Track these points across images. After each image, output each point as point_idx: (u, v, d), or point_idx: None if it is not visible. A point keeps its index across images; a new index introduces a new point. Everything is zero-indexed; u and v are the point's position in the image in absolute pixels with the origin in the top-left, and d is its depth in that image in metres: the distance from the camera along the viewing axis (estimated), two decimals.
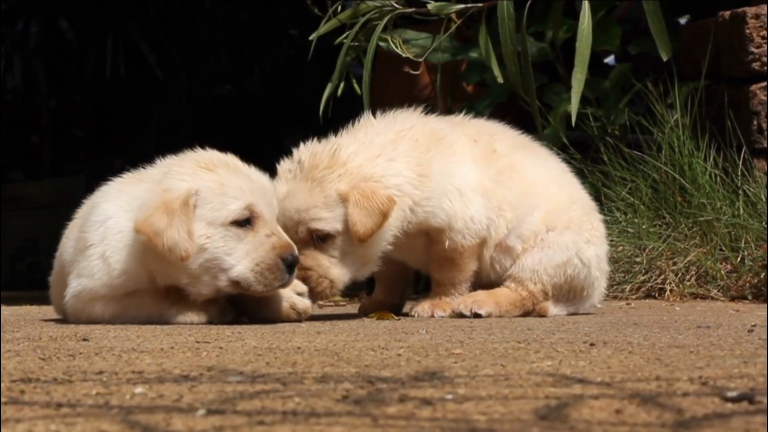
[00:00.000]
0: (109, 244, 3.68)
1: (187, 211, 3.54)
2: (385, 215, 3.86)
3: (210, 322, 3.69)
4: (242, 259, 3.59)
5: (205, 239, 3.58)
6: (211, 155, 3.70)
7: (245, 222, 3.61)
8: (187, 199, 3.55)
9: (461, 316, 4.02)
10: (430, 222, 4.02)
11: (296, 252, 3.66)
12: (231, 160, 3.70)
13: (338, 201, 3.85)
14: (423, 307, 4.09)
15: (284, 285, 3.65)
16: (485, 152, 4.15)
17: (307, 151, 3.94)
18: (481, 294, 4.09)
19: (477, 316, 4.01)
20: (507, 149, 4.20)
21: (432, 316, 4.05)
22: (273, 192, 3.75)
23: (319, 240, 3.85)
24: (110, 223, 3.70)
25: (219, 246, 3.59)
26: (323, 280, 3.85)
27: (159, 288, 3.71)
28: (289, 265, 3.61)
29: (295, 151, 3.96)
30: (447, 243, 4.04)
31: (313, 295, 3.85)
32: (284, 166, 3.94)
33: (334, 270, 3.87)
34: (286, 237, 3.68)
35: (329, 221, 3.84)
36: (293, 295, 3.78)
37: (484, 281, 4.18)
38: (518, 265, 4.12)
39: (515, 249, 4.13)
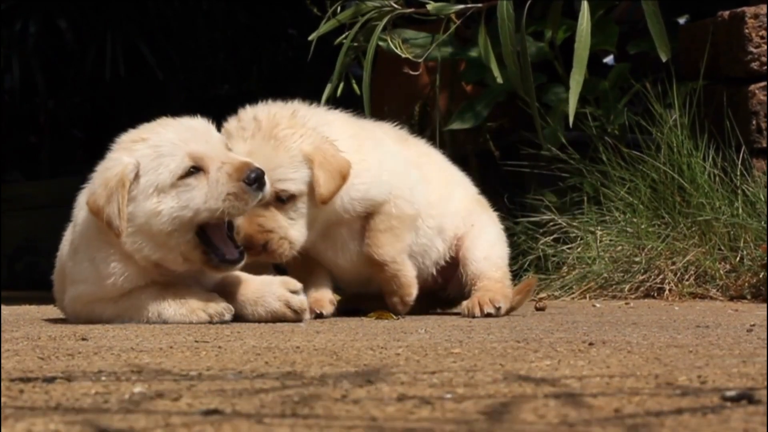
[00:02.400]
0: (93, 245, 3.70)
1: (122, 188, 3.57)
2: (344, 177, 3.87)
3: (209, 322, 3.68)
4: (204, 204, 3.58)
5: (156, 204, 3.59)
6: (140, 129, 3.72)
7: (194, 170, 3.61)
8: (123, 176, 3.58)
9: (489, 316, 4.00)
10: (372, 194, 3.98)
11: (254, 165, 3.62)
12: (160, 122, 3.72)
13: (303, 161, 3.85)
14: (392, 302, 4.06)
15: (261, 200, 3.64)
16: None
17: (263, 110, 3.94)
18: (487, 293, 4.08)
19: (498, 309, 4.01)
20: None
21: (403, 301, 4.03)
22: (207, 126, 3.73)
23: (282, 200, 3.85)
24: (89, 229, 3.72)
25: (173, 205, 3.59)
26: (284, 242, 3.84)
27: (155, 285, 3.72)
28: (254, 181, 3.58)
29: (243, 111, 3.95)
30: (394, 211, 3.99)
31: (273, 256, 3.85)
32: (236, 123, 3.92)
33: (293, 231, 3.86)
34: (239, 158, 3.66)
35: (296, 182, 3.85)
36: (286, 292, 3.75)
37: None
38: (471, 266, 4.17)
39: (446, 228, 4.20)
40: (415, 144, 4.34)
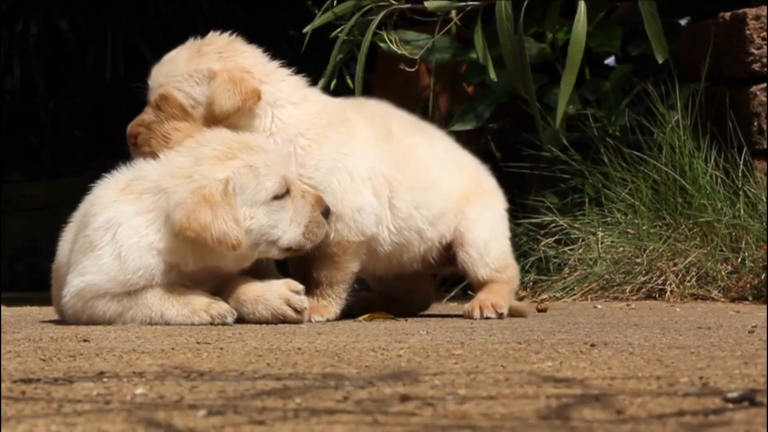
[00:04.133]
0: (124, 244, 3.70)
1: (229, 200, 3.62)
2: (245, 102, 3.80)
3: (211, 323, 3.69)
4: (289, 226, 3.72)
5: (249, 220, 3.68)
6: (218, 144, 3.74)
7: (285, 193, 3.72)
8: (226, 189, 3.63)
9: (486, 319, 3.96)
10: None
11: (326, 202, 3.80)
12: (237, 140, 3.76)
13: (206, 79, 3.82)
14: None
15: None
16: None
17: (213, 35, 3.94)
18: (491, 296, 4.04)
19: (501, 315, 3.97)
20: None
21: (309, 320, 3.83)
22: (281, 150, 3.83)
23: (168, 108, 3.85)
24: (122, 228, 3.71)
25: (264, 223, 3.70)
26: (157, 140, 3.84)
27: (160, 285, 3.73)
28: (326, 214, 3.78)
29: None
30: (332, 235, 3.87)
31: (142, 151, 3.84)
32: (191, 39, 3.95)
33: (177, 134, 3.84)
34: (313, 191, 3.81)
35: (185, 94, 3.83)
36: (287, 291, 3.76)
37: (384, 272, 4.13)
38: (476, 268, 4.09)
39: (425, 231, 4.07)
40: (400, 138, 4.12)
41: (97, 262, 3.73)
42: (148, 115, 3.91)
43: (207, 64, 3.85)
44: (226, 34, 3.97)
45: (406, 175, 4.07)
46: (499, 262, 4.14)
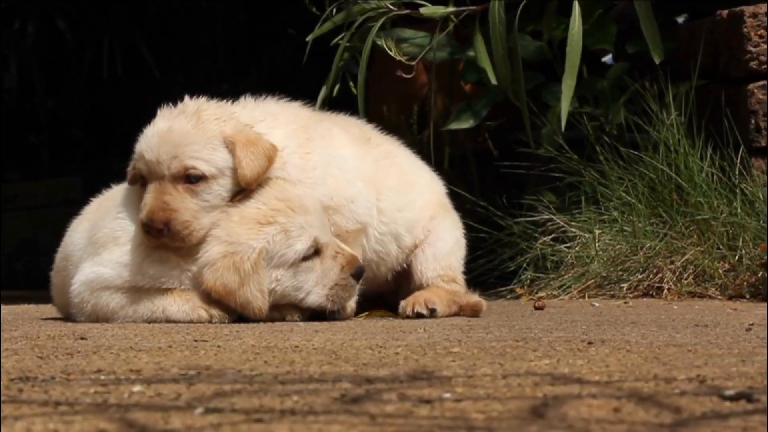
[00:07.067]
0: (150, 255, 3.72)
1: (259, 270, 3.64)
2: (270, 160, 3.76)
3: (209, 321, 3.70)
4: (314, 287, 3.74)
5: (274, 282, 3.70)
6: (264, 203, 3.73)
7: (313, 254, 3.73)
8: (258, 259, 3.65)
9: (420, 316, 3.92)
10: (316, 195, 3.88)
11: (361, 262, 3.80)
12: (284, 199, 3.74)
13: (221, 144, 3.75)
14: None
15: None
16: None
17: (192, 101, 3.88)
18: (424, 293, 4.04)
19: (433, 312, 3.93)
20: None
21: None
22: (321, 208, 3.80)
23: (191, 181, 3.72)
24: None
25: (289, 284, 3.72)
26: (190, 224, 3.68)
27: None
28: (359, 276, 3.77)
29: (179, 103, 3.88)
30: (332, 229, 3.89)
31: (176, 238, 3.67)
32: (166, 108, 3.85)
33: (202, 215, 3.70)
34: (349, 249, 3.80)
35: (208, 163, 3.72)
36: None
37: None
38: (420, 277, 4.12)
39: (402, 236, 4.12)
40: (378, 144, 4.21)
41: (117, 258, 3.76)
42: (168, 195, 3.71)
43: (217, 128, 3.78)
44: (200, 99, 3.92)
45: (390, 176, 4.13)
46: (446, 272, 4.16)
